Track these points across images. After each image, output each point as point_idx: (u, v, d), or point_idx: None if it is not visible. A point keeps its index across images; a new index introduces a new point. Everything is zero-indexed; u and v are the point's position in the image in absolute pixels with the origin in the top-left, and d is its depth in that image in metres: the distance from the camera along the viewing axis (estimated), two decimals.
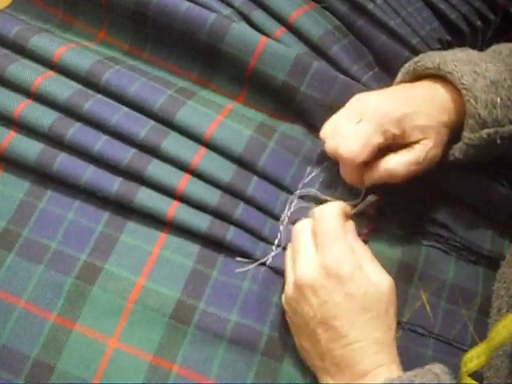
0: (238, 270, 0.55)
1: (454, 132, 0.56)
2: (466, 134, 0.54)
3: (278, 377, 0.52)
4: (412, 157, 0.54)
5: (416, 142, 0.54)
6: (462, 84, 0.53)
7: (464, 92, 0.53)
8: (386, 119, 0.53)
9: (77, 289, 0.53)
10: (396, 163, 0.54)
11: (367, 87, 0.62)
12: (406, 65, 0.59)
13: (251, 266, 0.55)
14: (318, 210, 0.52)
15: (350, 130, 0.54)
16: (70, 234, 0.56)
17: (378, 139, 0.53)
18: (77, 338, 0.52)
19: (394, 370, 0.46)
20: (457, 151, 0.56)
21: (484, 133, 0.53)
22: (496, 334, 0.48)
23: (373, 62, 0.67)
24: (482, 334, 0.56)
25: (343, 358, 0.47)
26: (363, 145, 0.53)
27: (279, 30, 0.66)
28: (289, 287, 0.51)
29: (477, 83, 0.53)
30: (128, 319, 0.53)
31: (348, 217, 0.55)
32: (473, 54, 0.57)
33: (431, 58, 0.56)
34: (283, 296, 0.52)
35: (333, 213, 0.51)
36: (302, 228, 0.53)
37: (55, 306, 0.53)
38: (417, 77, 0.58)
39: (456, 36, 0.68)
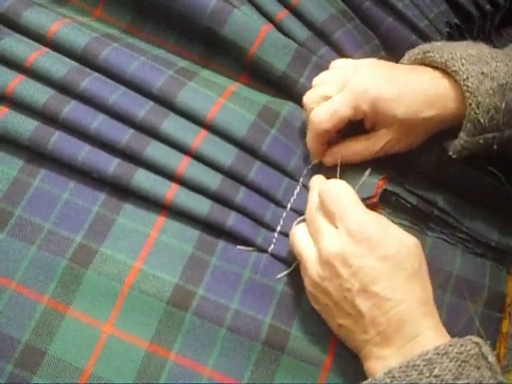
0: (239, 247, 0.54)
1: (451, 124, 0.55)
2: (462, 135, 0.53)
3: (279, 367, 0.50)
4: (368, 146, 0.56)
5: (380, 128, 0.55)
6: (466, 86, 0.52)
7: (467, 95, 0.52)
8: (362, 96, 0.53)
9: (71, 271, 0.51)
10: (354, 151, 0.57)
11: None
12: (415, 50, 0.58)
13: (252, 249, 0.54)
14: (324, 186, 0.51)
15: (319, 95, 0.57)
16: (65, 214, 0.54)
17: (347, 112, 0.54)
18: (70, 323, 0.50)
19: (440, 335, 0.46)
20: (451, 149, 0.55)
21: (481, 138, 0.53)
22: None
23: (379, 45, 0.66)
24: (488, 328, 0.54)
25: (389, 324, 0.46)
26: (331, 114, 0.54)
27: (282, 13, 0.65)
28: (313, 269, 0.49)
29: (482, 86, 0.52)
30: (123, 304, 0.51)
31: None
32: (485, 50, 0.55)
33: (440, 52, 0.54)
34: (307, 281, 0.50)
35: (340, 183, 0.51)
36: (313, 207, 0.52)
37: (48, 289, 0.51)
38: (424, 65, 0.57)
39: (465, 20, 0.66)
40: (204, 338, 0.51)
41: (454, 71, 0.53)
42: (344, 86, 0.55)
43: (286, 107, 0.61)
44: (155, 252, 0.53)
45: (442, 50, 0.55)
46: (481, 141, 0.53)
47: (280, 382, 0.50)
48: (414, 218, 0.58)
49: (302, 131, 0.60)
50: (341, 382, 0.50)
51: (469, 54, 0.53)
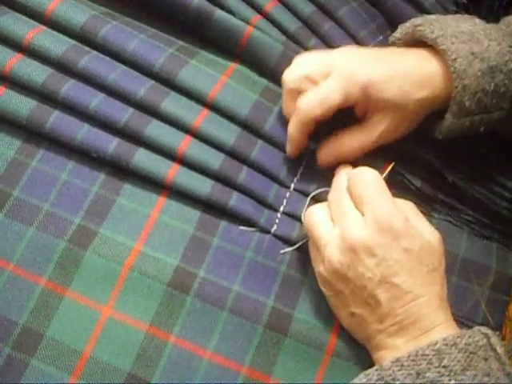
0: (241, 228, 0.53)
1: (442, 105, 0.54)
2: (448, 117, 0.52)
3: (281, 350, 0.50)
4: (364, 138, 0.54)
5: (373, 115, 0.53)
6: (454, 68, 0.50)
7: (454, 76, 0.51)
8: (352, 81, 0.51)
9: (69, 253, 0.51)
10: (349, 147, 0.54)
11: None
12: (407, 24, 0.56)
13: (254, 230, 0.54)
14: (356, 172, 0.50)
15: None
16: (64, 195, 0.53)
17: (337, 99, 0.51)
18: (68, 305, 0.49)
19: (453, 329, 0.46)
20: (437, 130, 0.54)
21: (467, 120, 0.52)
22: None
23: (385, 24, 0.65)
24: (495, 311, 0.54)
25: (406, 316, 0.45)
26: (321, 101, 0.51)
27: None
28: (334, 254, 0.47)
29: (470, 68, 0.50)
30: (123, 286, 0.50)
31: None
32: (478, 26, 0.53)
33: (431, 27, 0.53)
34: (323, 266, 0.49)
35: (372, 172, 0.50)
36: (341, 191, 0.50)
37: (46, 271, 0.50)
38: (414, 40, 0.55)
39: None
40: (205, 321, 0.50)
41: (443, 50, 0.51)
42: (327, 68, 0.52)
43: None
44: (155, 233, 0.52)
45: (433, 24, 0.53)
46: (467, 123, 0.52)
47: (282, 366, 0.49)
48: (419, 200, 0.57)
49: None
50: (344, 366, 0.50)
51: (460, 31, 0.52)
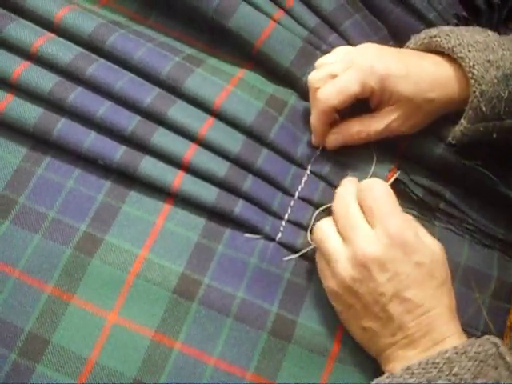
0: (246, 235, 0.54)
1: (453, 111, 0.55)
2: (463, 122, 0.54)
3: (285, 356, 0.50)
4: (372, 125, 0.56)
5: (385, 107, 0.55)
6: (472, 73, 0.52)
7: (472, 82, 0.52)
8: (370, 72, 0.53)
9: (75, 260, 0.51)
10: (357, 132, 0.56)
11: None
12: (422, 35, 0.58)
13: (259, 237, 0.54)
14: (367, 183, 0.50)
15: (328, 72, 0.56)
16: (69, 202, 0.53)
17: (354, 88, 0.53)
18: (74, 312, 0.50)
19: (463, 339, 0.46)
20: (451, 136, 0.55)
21: (481, 125, 0.53)
22: None
23: (388, 36, 0.66)
24: (496, 319, 0.54)
25: (418, 328, 0.46)
26: (339, 91, 0.53)
27: (291, 1, 0.64)
28: (345, 269, 0.47)
29: (488, 74, 0.52)
30: (129, 293, 0.50)
31: None
32: (492, 37, 0.55)
33: (447, 38, 0.54)
34: (334, 281, 0.49)
35: (384, 184, 0.50)
36: (348, 202, 0.50)
37: (52, 278, 0.50)
38: (429, 50, 0.57)
39: (473, 12, 0.66)
40: (210, 328, 0.50)
41: (461, 57, 0.53)
42: (350, 66, 0.54)
43: (293, 96, 0.61)
44: (161, 240, 0.52)
45: (449, 35, 0.54)
46: (481, 128, 0.53)
47: (286, 372, 0.49)
48: (421, 208, 0.57)
49: (310, 120, 0.59)
50: (347, 371, 0.50)
51: (476, 41, 0.53)
